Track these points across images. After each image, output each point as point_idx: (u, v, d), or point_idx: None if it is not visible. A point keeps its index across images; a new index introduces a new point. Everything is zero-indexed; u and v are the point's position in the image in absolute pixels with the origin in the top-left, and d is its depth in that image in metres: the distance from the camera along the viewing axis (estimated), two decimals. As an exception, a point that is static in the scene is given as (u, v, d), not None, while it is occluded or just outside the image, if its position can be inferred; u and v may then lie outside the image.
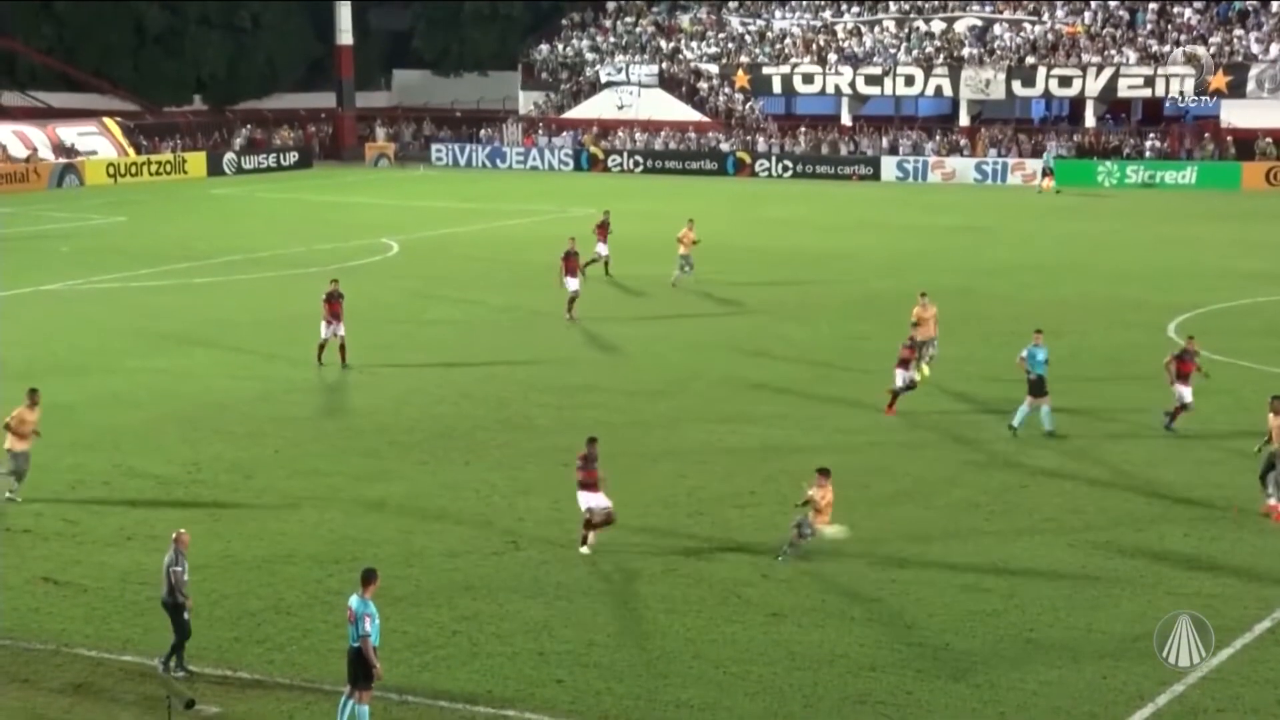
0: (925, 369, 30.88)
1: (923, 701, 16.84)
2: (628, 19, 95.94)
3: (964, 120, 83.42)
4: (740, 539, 22.04)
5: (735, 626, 19.02)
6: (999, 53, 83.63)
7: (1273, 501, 22.78)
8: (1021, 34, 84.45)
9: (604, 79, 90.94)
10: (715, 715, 16.57)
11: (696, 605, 19.77)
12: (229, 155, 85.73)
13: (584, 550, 21.59)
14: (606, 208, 48.27)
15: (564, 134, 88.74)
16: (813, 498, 21.01)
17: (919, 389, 29.76)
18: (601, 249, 45.66)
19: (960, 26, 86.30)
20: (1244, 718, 16.32)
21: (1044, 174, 73.48)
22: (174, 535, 17.69)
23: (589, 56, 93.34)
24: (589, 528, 21.66)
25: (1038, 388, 27.75)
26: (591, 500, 21.60)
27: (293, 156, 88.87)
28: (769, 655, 18.10)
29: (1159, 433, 27.91)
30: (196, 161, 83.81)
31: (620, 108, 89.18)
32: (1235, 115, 76.95)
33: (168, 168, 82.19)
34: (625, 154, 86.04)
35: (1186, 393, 27.68)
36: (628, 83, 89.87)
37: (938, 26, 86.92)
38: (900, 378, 29.23)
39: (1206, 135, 76.82)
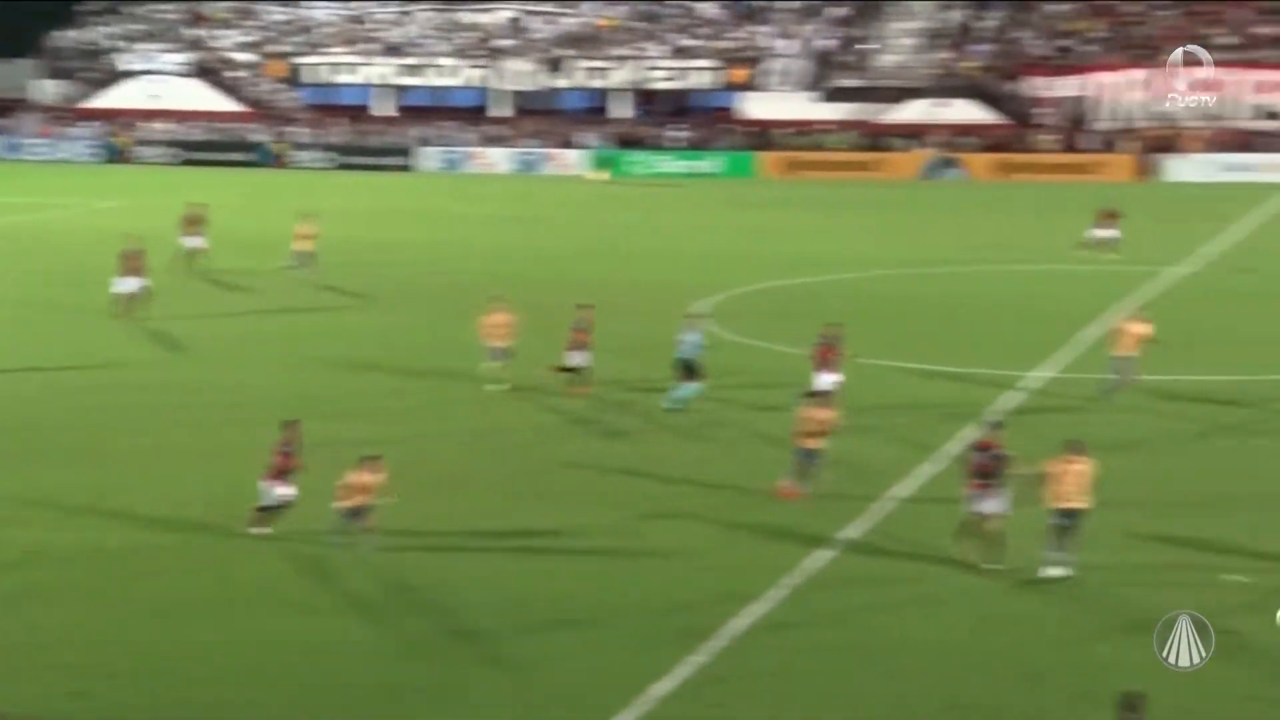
0: (499, 384, 30.52)
1: (456, 688, 16.93)
2: (154, 5, 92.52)
3: (502, 111, 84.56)
4: (282, 535, 21.53)
5: (270, 623, 18.66)
6: (534, 45, 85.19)
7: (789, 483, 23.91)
8: (556, 27, 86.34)
9: (131, 67, 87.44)
10: (247, 712, 16.22)
11: (229, 604, 19.26)
12: None
13: (266, 530, 21.16)
14: (194, 200, 46.17)
15: (88, 124, 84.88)
16: (351, 481, 20.90)
17: (506, 391, 29.95)
18: (191, 241, 43.83)
19: (497, 18, 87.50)
20: (763, 683, 17.06)
21: (596, 164, 75.59)
22: None
23: (114, 44, 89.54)
24: (265, 512, 21.21)
25: (688, 370, 28.22)
26: (280, 489, 21.17)
27: None
28: (303, 650, 17.82)
29: (688, 416, 28.68)
30: None
31: (151, 97, 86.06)
32: (753, 107, 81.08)
33: None
34: (156, 145, 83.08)
35: (827, 380, 27.03)
36: (157, 71, 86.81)
37: (475, 18, 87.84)
38: (571, 358, 29.47)
39: (727, 126, 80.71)
